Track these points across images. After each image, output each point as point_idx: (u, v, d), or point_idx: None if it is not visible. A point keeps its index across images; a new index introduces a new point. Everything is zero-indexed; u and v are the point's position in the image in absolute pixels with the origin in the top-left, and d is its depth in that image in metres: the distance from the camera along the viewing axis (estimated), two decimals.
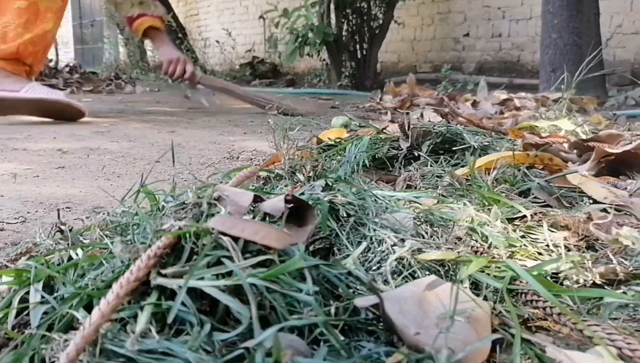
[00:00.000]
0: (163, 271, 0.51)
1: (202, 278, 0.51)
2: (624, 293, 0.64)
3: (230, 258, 0.54)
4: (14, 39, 2.65)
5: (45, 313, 0.54)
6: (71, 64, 6.36)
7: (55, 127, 2.44)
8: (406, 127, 1.31)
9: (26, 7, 2.67)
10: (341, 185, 0.79)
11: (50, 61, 5.72)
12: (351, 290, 0.55)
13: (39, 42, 2.71)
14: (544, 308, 0.58)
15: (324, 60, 6.04)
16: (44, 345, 0.48)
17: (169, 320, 0.49)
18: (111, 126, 2.57)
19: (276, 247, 0.53)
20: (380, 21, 5.75)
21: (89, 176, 1.45)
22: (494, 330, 0.56)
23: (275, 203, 0.62)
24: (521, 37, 5.64)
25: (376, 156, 1.25)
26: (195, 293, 0.53)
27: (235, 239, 0.55)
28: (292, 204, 0.64)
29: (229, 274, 0.52)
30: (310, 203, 0.66)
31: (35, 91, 2.64)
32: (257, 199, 0.65)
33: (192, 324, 0.51)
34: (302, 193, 0.74)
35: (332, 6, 5.72)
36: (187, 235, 0.55)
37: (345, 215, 0.70)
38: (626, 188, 1.16)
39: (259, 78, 7.35)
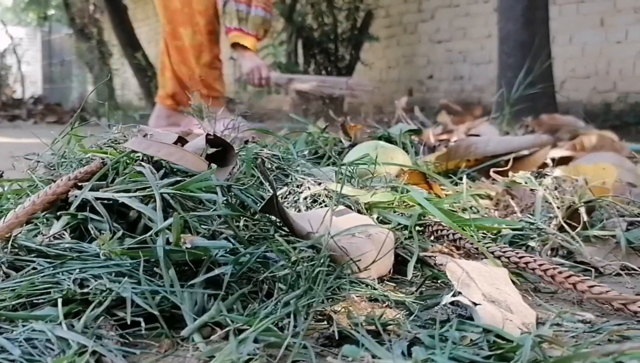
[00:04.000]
0: (80, 184, 0.54)
1: (118, 192, 0.54)
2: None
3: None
4: None
5: None
6: (36, 96, 6.35)
7: None
8: (347, 128, 1.37)
9: None
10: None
11: (14, 92, 5.71)
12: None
13: None
14: (447, 236, 0.62)
15: (292, 98, 6.15)
16: None
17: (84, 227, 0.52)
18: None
19: (191, 169, 0.57)
20: (347, 62, 5.91)
21: None
22: (397, 255, 0.60)
23: (196, 142, 0.66)
24: (481, 80, 5.85)
25: (318, 152, 1.29)
26: (112, 211, 0.56)
27: (157, 168, 0.59)
28: (214, 149, 0.67)
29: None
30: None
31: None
32: (180, 140, 0.69)
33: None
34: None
35: (299, 45, 5.88)
36: (110, 161, 0.58)
37: (269, 166, 0.74)
38: None
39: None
